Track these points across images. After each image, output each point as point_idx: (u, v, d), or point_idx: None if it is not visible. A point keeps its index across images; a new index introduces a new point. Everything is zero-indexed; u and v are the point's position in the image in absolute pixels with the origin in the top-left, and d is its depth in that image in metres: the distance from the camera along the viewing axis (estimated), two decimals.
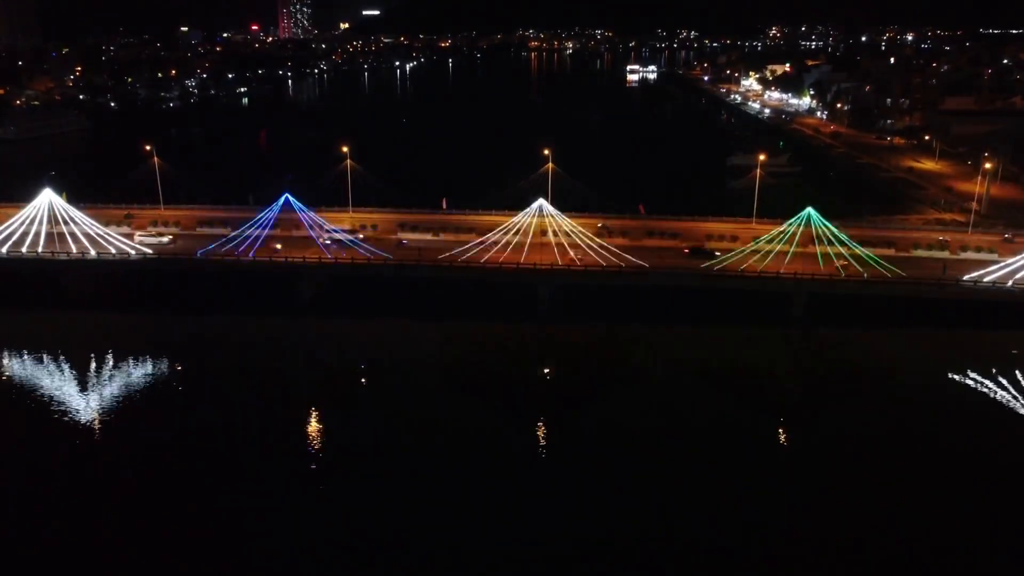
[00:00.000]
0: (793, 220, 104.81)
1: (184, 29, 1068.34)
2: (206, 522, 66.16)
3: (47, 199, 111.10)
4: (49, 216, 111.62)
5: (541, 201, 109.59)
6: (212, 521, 66.32)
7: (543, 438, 79.82)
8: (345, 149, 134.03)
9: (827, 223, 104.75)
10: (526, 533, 64.48)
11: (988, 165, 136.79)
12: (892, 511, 67.20)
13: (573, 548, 63.03)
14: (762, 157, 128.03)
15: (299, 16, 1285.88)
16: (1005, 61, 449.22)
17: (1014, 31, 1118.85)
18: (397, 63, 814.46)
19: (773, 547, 63.43)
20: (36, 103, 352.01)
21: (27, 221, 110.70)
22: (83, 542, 63.96)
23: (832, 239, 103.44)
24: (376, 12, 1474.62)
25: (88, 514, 67.56)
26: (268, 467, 73.58)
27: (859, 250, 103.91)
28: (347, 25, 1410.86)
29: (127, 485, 71.50)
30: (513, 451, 76.89)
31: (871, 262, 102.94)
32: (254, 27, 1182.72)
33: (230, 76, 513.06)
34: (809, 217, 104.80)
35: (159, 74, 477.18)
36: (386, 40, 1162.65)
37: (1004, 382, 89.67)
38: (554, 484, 71.45)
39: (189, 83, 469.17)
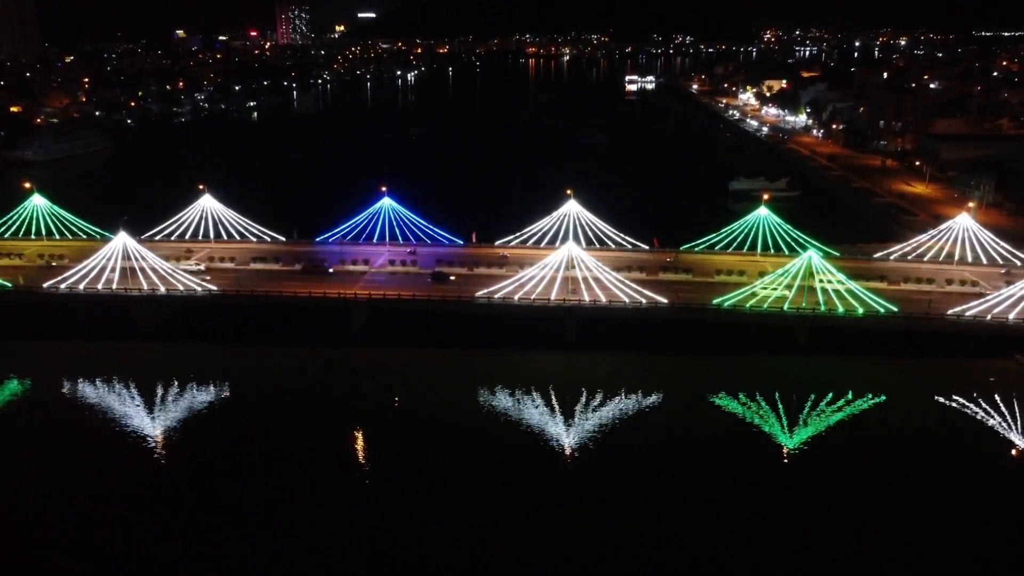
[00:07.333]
0: (796, 264, 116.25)
1: (181, 33, 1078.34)
2: (258, 531, 77.80)
3: (121, 242, 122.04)
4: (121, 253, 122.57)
5: (570, 243, 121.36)
6: (264, 530, 77.87)
7: (567, 457, 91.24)
8: (384, 188, 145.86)
9: (828, 266, 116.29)
10: (546, 546, 75.41)
11: (972, 204, 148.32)
12: (881, 518, 78.82)
13: (590, 559, 74.13)
14: (765, 197, 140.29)
15: (297, 22, 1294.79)
16: (995, 74, 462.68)
17: (1006, 33, 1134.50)
18: (399, 72, 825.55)
19: (773, 552, 75.08)
20: (55, 120, 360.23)
21: (103, 259, 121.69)
22: (145, 547, 75.47)
23: (831, 278, 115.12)
24: (372, 15, 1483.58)
25: (152, 523, 79.07)
26: (314, 485, 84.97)
27: (852, 285, 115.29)
28: (343, 28, 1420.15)
29: (188, 497, 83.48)
30: (539, 468, 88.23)
31: (865, 297, 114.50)
32: (253, 33, 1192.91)
33: (237, 88, 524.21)
34: (811, 256, 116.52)
35: (167, 86, 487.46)
36: (384, 45, 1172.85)
37: (984, 405, 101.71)
38: (577, 501, 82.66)
39: (198, 96, 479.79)
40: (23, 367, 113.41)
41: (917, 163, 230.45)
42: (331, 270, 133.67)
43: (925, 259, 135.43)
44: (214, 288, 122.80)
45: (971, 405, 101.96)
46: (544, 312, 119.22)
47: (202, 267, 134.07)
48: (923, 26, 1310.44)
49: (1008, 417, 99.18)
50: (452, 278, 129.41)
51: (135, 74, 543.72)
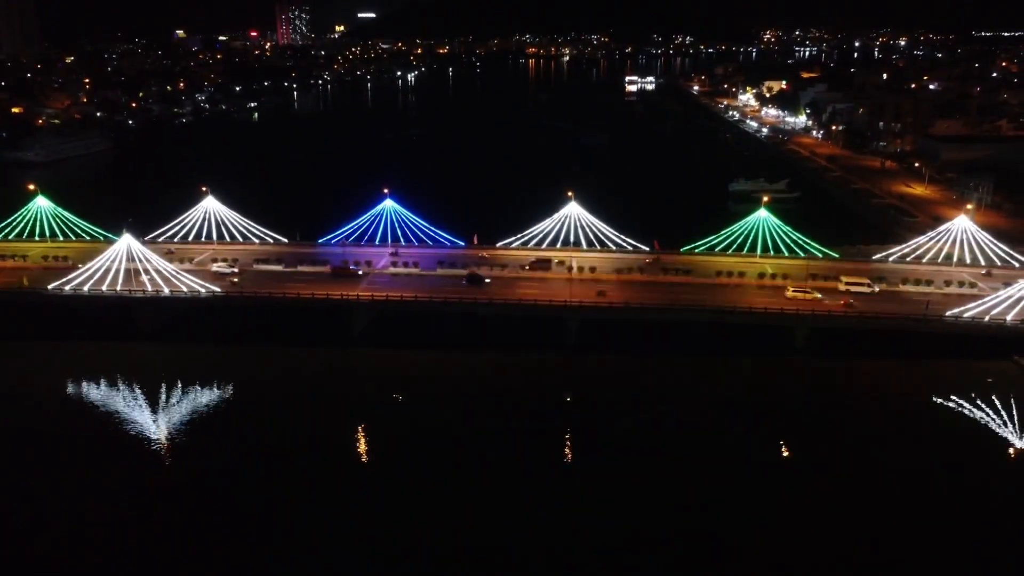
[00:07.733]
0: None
1: (181, 33, 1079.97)
2: (261, 533, 78.38)
3: (126, 244, 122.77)
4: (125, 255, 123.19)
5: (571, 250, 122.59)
6: (266, 532, 78.46)
7: (568, 456, 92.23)
8: (386, 190, 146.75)
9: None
10: (546, 540, 76.64)
11: (970, 205, 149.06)
12: (879, 518, 79.63)
13: (588, 555, 75.16)
14: (765, 198, 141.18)
15: (297, 22, 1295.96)
16: (995, 75, 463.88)
17: (1006, 33, 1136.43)
18: (399, 72, 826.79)
19: (771, 553, 75.96)
20: (56, 121, 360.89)
21: (108, 260, 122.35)
22: (147, 548, 76.00)
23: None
24: (372, 15, 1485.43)
25: (154, 524, 79.66)
26: (316, 486, 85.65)
27: (852, 287, 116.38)
28: (343, 28, 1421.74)
29: (190, 498, 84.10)
30: (540, 469, 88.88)
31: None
32: (253, 33, 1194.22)
33: (238, 89, 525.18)
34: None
35: (168, 87, 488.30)
36: (384, 45, 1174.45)
37: (983, 406, 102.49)
38: (576, 498, 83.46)
39: (199, 97, 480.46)
40: (27, 367, 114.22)
41: (916, 164, 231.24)
42: (360, 272, 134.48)
43: (924, 260, 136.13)
44: (217, 290, 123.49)
45: (969, 406, 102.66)
46: (545, 312, 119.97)
47: (234, 269, 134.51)
48: (923, 26, 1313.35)
49: (1006, 418, 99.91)
50: (488, 280, 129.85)
51: (135, 75, 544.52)
